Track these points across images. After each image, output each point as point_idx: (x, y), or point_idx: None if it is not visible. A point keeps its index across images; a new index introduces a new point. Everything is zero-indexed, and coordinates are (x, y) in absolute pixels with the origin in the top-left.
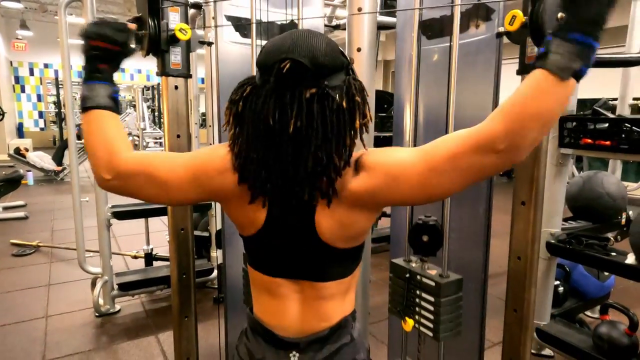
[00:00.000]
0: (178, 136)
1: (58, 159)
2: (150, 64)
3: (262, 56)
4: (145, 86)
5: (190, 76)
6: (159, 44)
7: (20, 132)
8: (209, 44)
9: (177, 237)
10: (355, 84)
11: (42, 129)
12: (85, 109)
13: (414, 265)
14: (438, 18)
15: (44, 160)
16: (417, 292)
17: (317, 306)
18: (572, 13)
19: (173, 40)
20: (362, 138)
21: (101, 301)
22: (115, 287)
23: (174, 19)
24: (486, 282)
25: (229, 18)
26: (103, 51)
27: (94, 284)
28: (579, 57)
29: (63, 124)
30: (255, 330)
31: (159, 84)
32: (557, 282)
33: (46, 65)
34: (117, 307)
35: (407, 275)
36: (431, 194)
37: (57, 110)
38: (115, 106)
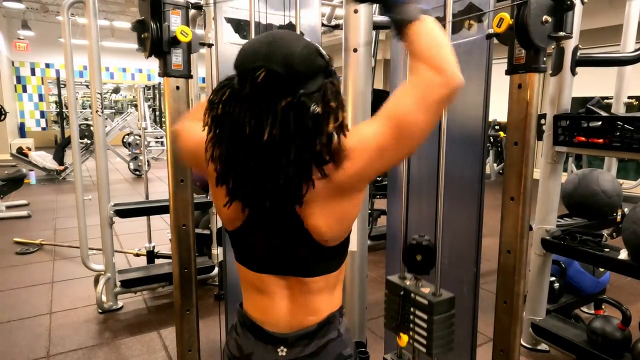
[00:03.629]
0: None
1: (59, 158)
2: (151, 63)
3: (239, 59)
4: (146, 85)
5: (191, 77)
6: (161, 46)
7: (22, 131)
8: (209, 45)
9: (179, 233)
10: (331, 88)
11: (43, 129)
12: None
13: (408, 282)
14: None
15: (46, 159)
16: (411, 309)
17: (305, 301)
18: None
19: (174, 42)
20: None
21: (104, 298)
22: (118, 284)
23: (175, 22)
24: (478, 277)
25: (228, 20)
26: None
27: (97, 281)
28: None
29: (65, 124)
30: (245, 325)
31: (159, 83)
32: (553, 278)
33: (47, 65)
34: (120, 303)
35: (402, 293)
36: (410, 142)
37: (58, 110)
38: None
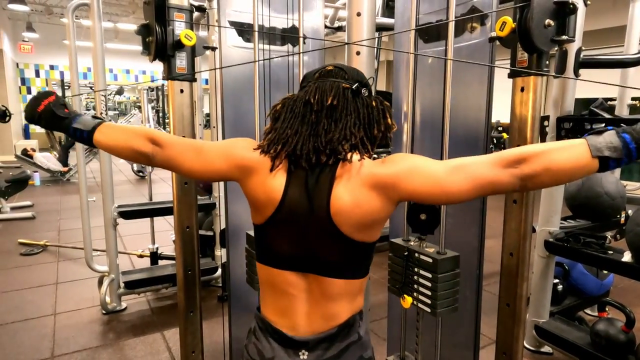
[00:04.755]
0: (183, 137)
1: (63, 159)
2: (154, 65)
3: (306, 73)
4: (149, 87)
5: (195, 80)
6: (165, 50)
7: (26, 133)
8: (213, 49)
9: (183, 234)
10: (380, 97)
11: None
12: (92, 131)
13: (412, 244)
14: (434, 22)
15: (50, 161)
16: (415, 269)
17: (325, 307)
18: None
19: (179, 45)
20: (390, 137)
21: (108, 299)
22: (122, 285)
23: (179, 26)
24: (480, 279)
25: (232, 23)
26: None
27: (100, 282)
28: (614, 150)
29: None
30: (264, 330)
31: (163, 85)
32: (557, 281)
33: (52, 67)
34: (124, 304)
35: (406, 253)
36: (445, 191)
37: None
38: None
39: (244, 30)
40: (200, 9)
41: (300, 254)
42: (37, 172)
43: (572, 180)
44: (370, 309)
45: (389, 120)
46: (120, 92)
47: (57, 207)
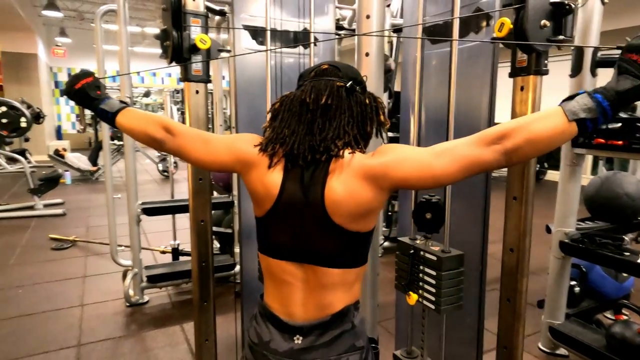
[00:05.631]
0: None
1: (93, 159)
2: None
3: (303, 72)
4: (175, 89)
5: (210, 81)
6: (181, 53)
7: (59, 134)
8: (228, 51)
9: (197, 228)
10: (373, 95)
11: (79, 131)
12: (116, 113)
13: (418, 242)
14: (441, 24)
15: (81, 160)
16: (421, 267)
17: (320, 296)
18: (612, 84)
19: (194, 49)
20: (382, 136)
21: (131, 292)
22: (145, 279)
23: (195, 30)
24: (484, 276)
25: (246, 27)
26: (88, 84)
27: (125, 276)
28: (589, 111)
29: (98, 127)
30: (264, 315)
31: None
32: (573, 282)
33: None
34: (146, 298)
35: (412, 251)
36: (432, 174)
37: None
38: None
39: (257, 33)
40: (221, 13)
41: (298, 245)
42: (68, 171)
43: (554, 148)
44: (383, 307)
45: (382, 117)
46: (147, 94)
47: (86, 205)
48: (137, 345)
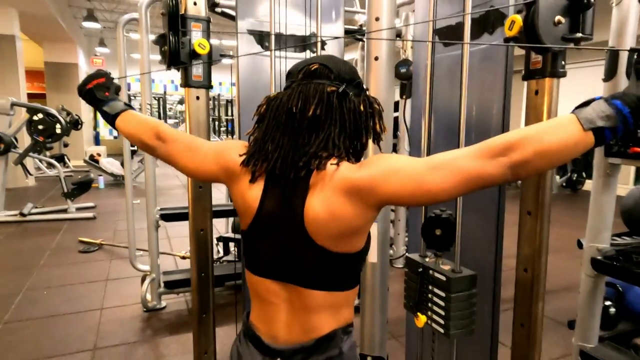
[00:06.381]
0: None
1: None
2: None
3: (291, 68)
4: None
5: (211, 87)
6: (178, 58)
7: (96, 140)
8: (230, 56)
9: (197, 237)
10: (370, 97)
11: (115, 137)
12: (116, 116)
13: (428, 260)
14: (454, 25)
15: (114, 165)
16: (430, 287)
17: (304, 318)
18: (632, 89)
19: (194, 54)
20: (379, 145)
21: (149, 297)
22: (162, 284)
23: (196, 35)
24: (497, 297)
25: (251, 32)
26: (96, 85)
27: (143, 281)
28: (607, 119)
29: None
30: (247, 335)
31: (219, 94)
32: (608, 303)
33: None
34: (164, 303)
35: (420, 270)
36: (426, 190)
37: None
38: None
39: (263, 38)
40: (230, 17)
41: (280, 264)
42: (101, 175)
43: (567, 160)
44: (400, 321)
45: (378, 126)
46: (182, 102)
47: (116, 209)
48: (150, 351)
